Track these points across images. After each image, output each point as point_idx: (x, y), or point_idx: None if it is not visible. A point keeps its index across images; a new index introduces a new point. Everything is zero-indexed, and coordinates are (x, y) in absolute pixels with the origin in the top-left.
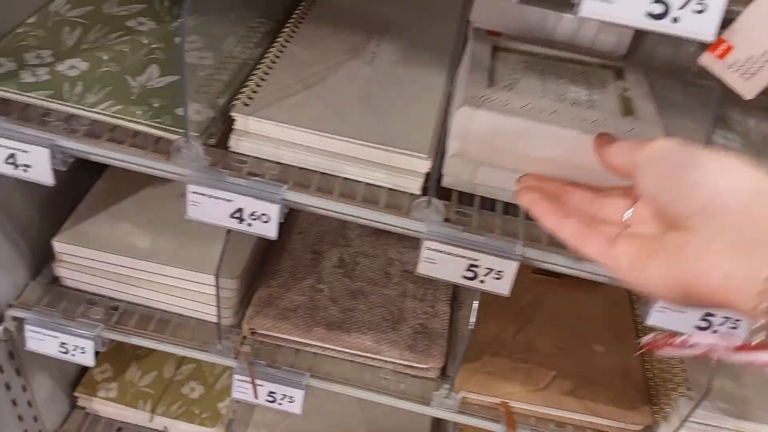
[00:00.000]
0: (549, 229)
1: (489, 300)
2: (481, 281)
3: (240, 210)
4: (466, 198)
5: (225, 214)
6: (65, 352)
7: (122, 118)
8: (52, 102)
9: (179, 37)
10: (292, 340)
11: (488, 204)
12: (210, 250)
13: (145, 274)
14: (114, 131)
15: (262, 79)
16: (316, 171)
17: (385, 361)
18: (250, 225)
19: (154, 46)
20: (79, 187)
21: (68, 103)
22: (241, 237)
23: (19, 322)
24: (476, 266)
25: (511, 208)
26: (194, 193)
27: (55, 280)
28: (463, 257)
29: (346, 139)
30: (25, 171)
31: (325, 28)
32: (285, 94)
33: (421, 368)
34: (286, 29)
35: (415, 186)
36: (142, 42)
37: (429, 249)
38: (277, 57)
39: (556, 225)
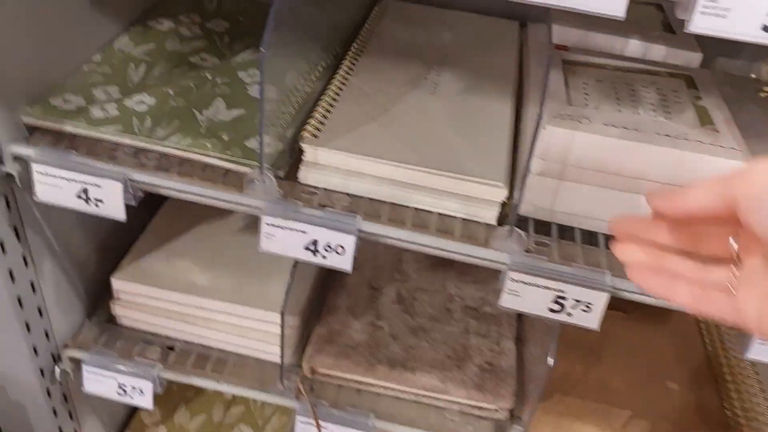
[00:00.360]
0: (659, 297)
1: (545, 336)
2: (569, 314)
3: (315, 242)
4: (541, 227)
5: (299, 246)
6: (123, 394)
7: (194, 151)
8: (124, 136)
9: (242, 72)
10: (353, 379)
11: (566, 234)
12: (268, 287)
13: (203, 312)
14: (183, 165)
15: (328, 111)
16: (386, 202)
17: (452, 401)
18: (324, 257)
19: (218, 80)
20: (133, 224)
21: (139, 137)
22: (299, 273)
23: (76, 363)
24: (563, 298)
25: (591, 237)
26: (269, 225)
27: (111, 319)
28: (550, 288)
29: (419, 168)
30: (97, 206)
31: (385, 60)
32: (352, 125)
33: (490, 409)
34: (345, 62)
35: (490, 216)
36: (206, 77)
37: (513, 281)
38: (340, 89)
39: (665, 293)
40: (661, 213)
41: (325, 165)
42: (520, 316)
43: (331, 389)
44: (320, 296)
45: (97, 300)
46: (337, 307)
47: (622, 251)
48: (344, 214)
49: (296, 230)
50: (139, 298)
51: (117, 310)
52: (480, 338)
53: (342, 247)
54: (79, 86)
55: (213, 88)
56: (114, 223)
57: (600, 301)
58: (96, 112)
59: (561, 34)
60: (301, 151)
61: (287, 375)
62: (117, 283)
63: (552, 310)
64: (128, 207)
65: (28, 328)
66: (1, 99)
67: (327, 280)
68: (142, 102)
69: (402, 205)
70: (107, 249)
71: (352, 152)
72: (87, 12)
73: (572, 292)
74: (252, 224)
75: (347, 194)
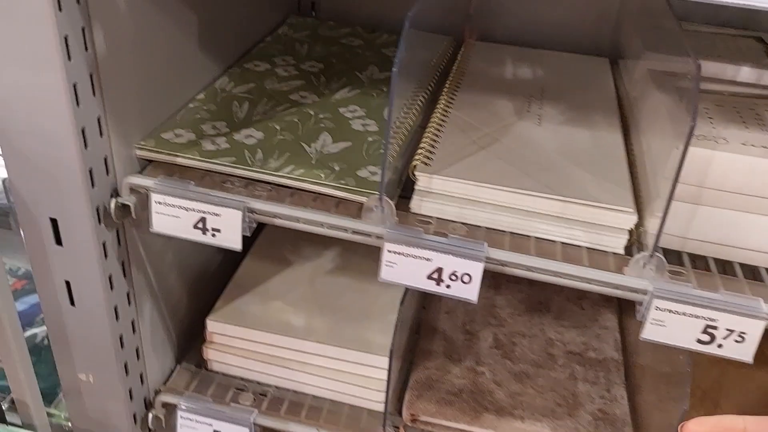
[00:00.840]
0: None
1: (658, 383)
2: (719, 345)
3: (439, 270)
4: (669, 257)
5: (422, 275)
6: None
7: (309, 181)
8: (237, 167)
9: (342, 108)
10: (457, 428)
11: (698, 263)
12: (365, 329)
13: (299, 354)
14: (294, 196)
15: (435, 141)
16: (505, 231)
17: None
18: (448, 287)
19: (321, 116)
20: (220, 268)
21: (253, 168)
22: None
23: (169, 408)
24: (714, 327)
25: (725, 266)
26: (391, 252)
27: (201, 364)
28: (699, 317)
29: (543, 195)
30: (214, 235)
31: (482, 95)
32: (462, 154)
33: None
34: (443, 97)
35: (618, 244)
36: (309, 113)
37: (658, 309)
38: (443, 121)
39: None
40: None
41: (440, 193)
42: (627, 362)
43: None
44: (414, 341)
45: (187, 344)
46: (432, 352)
47: None
48: (471, 241)
49: (420, 258)
50: (233, 340)
51: (209, 353)
52: (589, 385)
53: (468, 275)
54: (187, 122)
55: (317, 123)
56: (203, 266)
57: (755, 330)
58: (207, 145)
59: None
60: (410, 182)
61: (387, 424)
62: (212, 325)
63: (701, 342)
64: (212, 250)
65: (126, 370)
66: (118, 134)
67: (420, 324)
68: (250, 136)
69: (522, 234)
70: (196, 292)
71: (468, 179)
72: (193, 54)
73: (724, 320)
74: (345, 263)
75: (463, 223)
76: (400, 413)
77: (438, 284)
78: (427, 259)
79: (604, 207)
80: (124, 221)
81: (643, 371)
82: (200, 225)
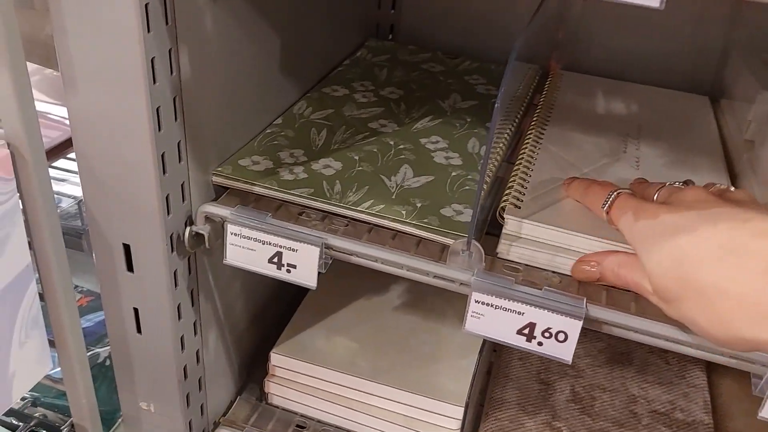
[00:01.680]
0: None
1: None
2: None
3: (531, 325)
4: None
5: (512, 330)
6: None
7: (389, 218)
8: (315, 200)
9: (424, 139)
10: None
11: None
12: (434, 373)
13: (363, 396)
14: (371, 232)
15: (525, 180)
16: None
17: None
18: (540, 344)
19: (401, 146)
20: (283, 297)
21: (331, 201)
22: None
23: None
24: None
25: None
26: (478, 303)
27: (260, 398)
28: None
29: None
30: (289, 271)
31: (573, 131)
32: (554, 197)
33: None
34: (533, 131)
35: None
36: (389, 143)
37: None
38: (532, 158)
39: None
40: None
41: (529, 238)
42: (717, 426)
43: None
44: (482, 385)
45: (247, 378)
46: (504, 402)
47: None
48: (569, 296)
49: (511, 311)
50: (296, 375)
51: (271, 387)
52: None
53: (564, 333)
54: (265, 148)
55: (397, 155)
56: (269, 297)
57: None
58: (285, 175)
59: None
60: (495, 221)
61: None
62: (276, 359)
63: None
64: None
65: (188, 402)
66: (195, 159)
67: (490, 370)
68: (328, 166)
69: (620, 289)
70: (260, 323)
71: (561, 226)
72: (273, 78)
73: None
74: (414, 300)
75: (555, 272)
76: None
77: (529, 341)
78: (519, 313)
79: None
80: (196, 250)
81: None
82: (275, 260)
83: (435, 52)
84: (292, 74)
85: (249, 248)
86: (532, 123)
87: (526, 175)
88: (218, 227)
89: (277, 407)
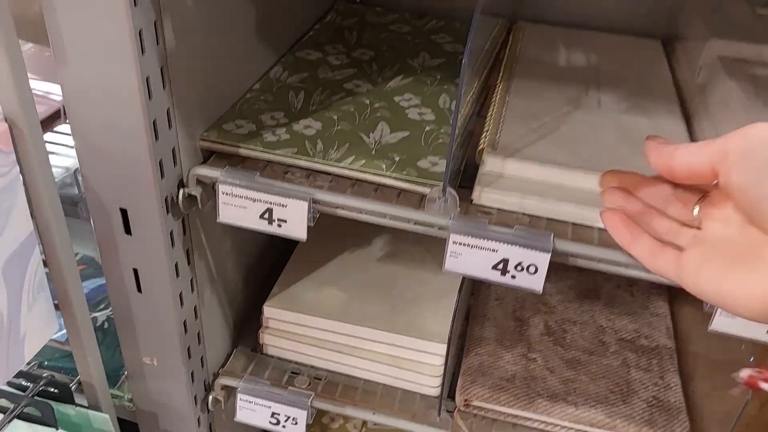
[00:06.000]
0: (621, 244)
1: (712, 371)
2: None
3: (504, 261)
4: None
5: (487, 266)
6: (276, 423)
7: (371, 172)
8: (300, 158)
9: (398, 97)
10: (511, 414)
11: None
12: (418, 315)
13: (353, 340)
14: (355, 186)
15: (497, 130)
16: (567, 222)
17: None
18: (513, 277)
19: (376, 105)
20: (272, 255)
21: (314, 159)
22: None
23: (228, 391)
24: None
25: None
26: (456, 243)
27: (256, 348)
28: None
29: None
30: (280, 226)
31: (538, 81)
32: (524, 142)
33: None
34: (500, 84)
35: None
36: (364, 102)
37: None
38: (502, 110)
39: (627, 241)
40: (651, 162)
41: (506, 180)
42: (680, 350)
43: (485, 424)
44: (462, 327)
45: (241, 330)
46: (483, 338)
47: (608, 195)
48: (538, 232)
49: (486, 249)
50: (288, 326)
51: (265, 338)
52: (642, 372)
53: (535, 266)
54: (247, 113)
55: (373, 113)
56: (259, 254)
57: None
58: (268, 136)
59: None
60: (466, 173)
61: (435, 407)
62: (268, 311)
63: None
64: (264, 238)
65: (189, 354)
66: (184, 125)
67: (469, 311)
68: (309, 126)
69: (585, 225)
70: (252, 279)
71: (540, 162)
72: (250, 45)
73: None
74: (396, 250)
75: (525, 214)
76: (451, 398)
77: (503, 275)
78: (493, 250)
79: None
80: (190, 211)
81: (696, 359)
82: (266, 216)
83: (402, 13)
84: (267, 40)
85: (241, 206)
86: (500, 77)
87: (498, 126)
88: (209, 189)
89: (272, 357)
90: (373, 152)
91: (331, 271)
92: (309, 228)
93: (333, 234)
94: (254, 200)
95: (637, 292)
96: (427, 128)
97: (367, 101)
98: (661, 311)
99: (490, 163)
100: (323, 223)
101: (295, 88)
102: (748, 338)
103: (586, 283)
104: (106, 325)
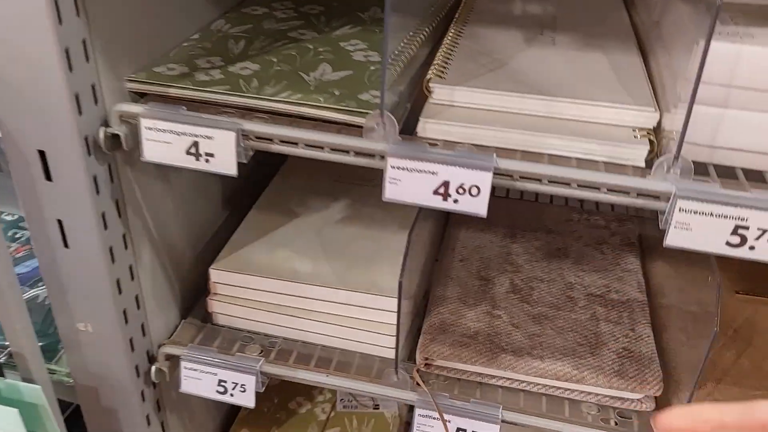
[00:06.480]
0: None
1: (686, 322)
2: (751, 247)
3: (446, 184)
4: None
5: (428, 191)
6: (223, 392)
7: (307, 104)
8: (232, 94)
9: (344, 42)
10: (474, 372)
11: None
12: (374, 273)
13: (306, 302)
14: (291, 124)
15: (445, 63)
16: (515, 150)
17: (589, 393)
18: (456, 201)
19: (320, 50)
20: (228, 223)
21: (247, 95)
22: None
23: (173, 360)
24: (744, 227)
25: (756, 177)
26: (395, 168)
27: (206, 319)
28: (727, 217)
29: (560, 99)
30: (208, 161)
31: (493, 27)
32: (473, 74)
33: (634, 400)
34: (451, 31)
35: (639, 155)
36: (308, 47)
37: (683, 211)
38: (452, 50)
39: None
40: None
41: (452, 111)
42: (652, 304)
43: (448, 384)
44: (425, 290)
45: (192, 301)
46: (446, 298)
47: None
48: (479, 153)
49: (425, 171)
50: (238, 290)
51: (214, 306)
52: (612, 325)
53: (477, 188)
54: (181, 57)
55: (317, 56)
56: (208, 221)
57: None
58: (201, 77)
59: None
60: (413, 113)
61: (399, 368)
62: (215, 274)
63: (730, 244)
64: (220, 205)
65: (126, 318)
66: (106, 63)
67: (433, 271)
68: (246, 68)
69: (534, 152)
70: (202, 248)
71: (485, 88)
72: None
73: (755, 219)
74: (355, 214)
75: (472, 144)
76: (414, 361)
77: (445, 199)
78: (433, 173)
79: (624, 107)
80: (115, 154)
81: (669, 311)
82: (193, 150)
83: None
84: None
85: (165, 141)
86: (452, 25)
87: (446, 61)
88: (135, 130)
89: (223, 326)
90: (312, 88)
91: (286, 234)
92: (252, 192)
93: (289, 200)
94: (179, 134)
95: (607, 250)
96: (372, 68)
97: (311, 46)
98: (633, 267)
99: (437, 93)
100: (279, 190)
101: (236, 37)
102: (704, 251)
103: (555, 243)
104: (47, 302)
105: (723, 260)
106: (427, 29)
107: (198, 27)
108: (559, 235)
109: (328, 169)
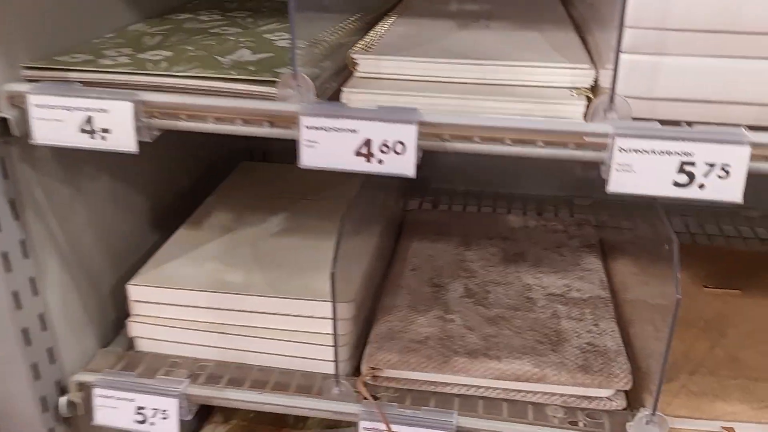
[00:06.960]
0: None
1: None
2: (701, 185)
3: (368, 142)
4: None
5: (349, 152)
6: (142, 421)
7: (217, 78)
8: (135, 73)
9: (268, 34)
10: (426, 380)
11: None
12: (310, 279)
13: (239, 316)
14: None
15: (373, 42)
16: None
17: (553, 394)
18: (381, 161)
19: (242, 39)
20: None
21: (153, 72)
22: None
23: (86, 390)
24: (691, 163)
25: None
26: (309, 128)
27: (130, 347)
28: (672, 153)
29: (493, 63)
30: (104, 138)
31: (428, 18)
32: (402, 47)
33: (603, 398)
34: (383, 21)
35: (576, 112)
36: (229, 39)
37: (623, 150)
38: (381, 33)
39: None
40: None
41: (379, 82)
42: (616, 300)
43: (399, 397)
44: (373, 301)
45: (115, 328)
46: (395, 306)
47: None
48: (402, 106)
49: (344, 130)
50: (162, 308)
51: (135, 329)
52: (574, 322)
53: (402, 143)
54: (89, 49)
55: (236, 45)
56: (129, 237)
57: (740, 161)
58: (105, 62)
59: None
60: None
61: (342, 381)
62: (134, 291)
63: (678, 184)
64: (147, 225)
65: (28, 339)
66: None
67: (382, 283)
68: (157, 55)
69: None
70: (125, 268)
71: (410, 56)
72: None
73: (702, 153)
74: (293, 226)
75: None
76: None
77: (368, 160)
78: (353, 131)
79: (559, 66)
80: (9, 148)
81: (634, 305)
82: (87, 127)
83: None
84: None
85: (56, 119)
86: (383, 18)
87: (376, 40)
88: (26, 116)
89: (147, 353)
90: (227, 68)
91: (217, 248)
92: (184, 210)
93: (222, 216)
94: (71, 109)
95: (566, 252)
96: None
97: (233, 39)
98: (594, 267)
99: (362, 65)
100: (211, 208)
101: (153, 34)
102: (648, 194)
103: (512, 249)
104: None
105: (689, 255)
106: (361, 21)
107: (115, 28)
108: (515, 242)
109: (269, 185)
